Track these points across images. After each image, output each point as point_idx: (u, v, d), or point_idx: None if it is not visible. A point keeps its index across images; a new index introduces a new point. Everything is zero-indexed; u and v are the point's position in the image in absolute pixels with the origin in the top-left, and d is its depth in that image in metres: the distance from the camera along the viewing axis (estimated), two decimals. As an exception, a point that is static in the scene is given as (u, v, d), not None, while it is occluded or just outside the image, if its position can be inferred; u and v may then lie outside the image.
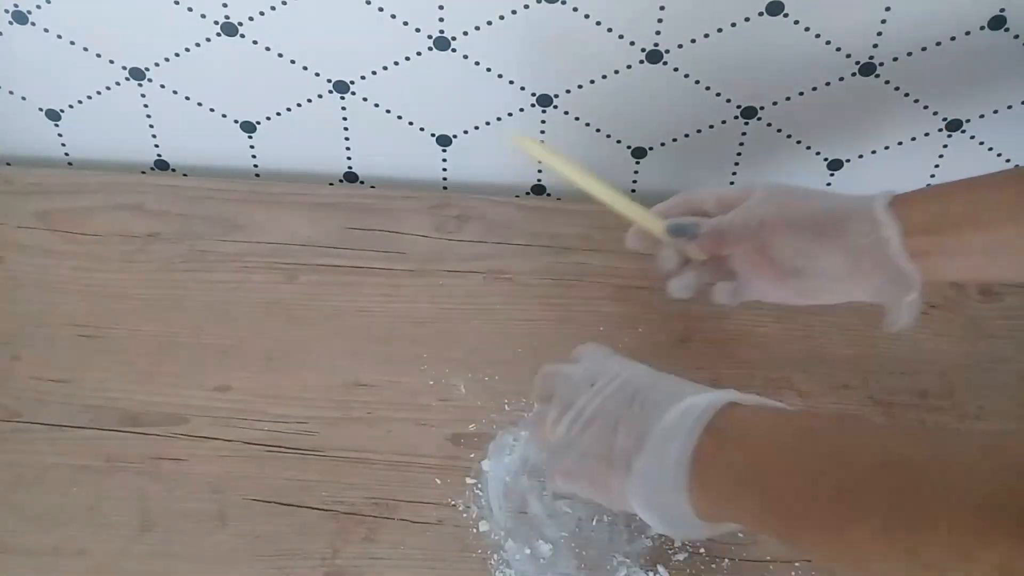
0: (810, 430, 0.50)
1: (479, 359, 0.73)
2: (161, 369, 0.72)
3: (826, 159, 0.84)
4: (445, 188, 0.88)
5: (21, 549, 0.63)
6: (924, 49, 0.75)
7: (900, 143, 0.83)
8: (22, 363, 0.72)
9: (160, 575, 0.62)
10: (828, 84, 0.78)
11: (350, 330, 0.75)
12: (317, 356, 0.73)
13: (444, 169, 0.87)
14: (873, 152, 0.84)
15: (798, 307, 0.67)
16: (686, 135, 0.83)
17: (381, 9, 0.75)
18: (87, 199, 0.83)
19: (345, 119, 0.83)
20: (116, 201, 0.82)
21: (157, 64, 0.80)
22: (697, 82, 0.78)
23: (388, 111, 0.83)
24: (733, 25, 0.74)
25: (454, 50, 0.77)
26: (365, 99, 0.82)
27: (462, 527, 0.65)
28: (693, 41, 0.75)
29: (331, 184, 0.88)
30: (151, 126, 0.85)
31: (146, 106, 0.83)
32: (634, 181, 0.86)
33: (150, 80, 0.81)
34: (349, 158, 0.87)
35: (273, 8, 0.75)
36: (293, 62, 0.79)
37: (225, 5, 0.75)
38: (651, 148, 0.84)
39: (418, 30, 0.76)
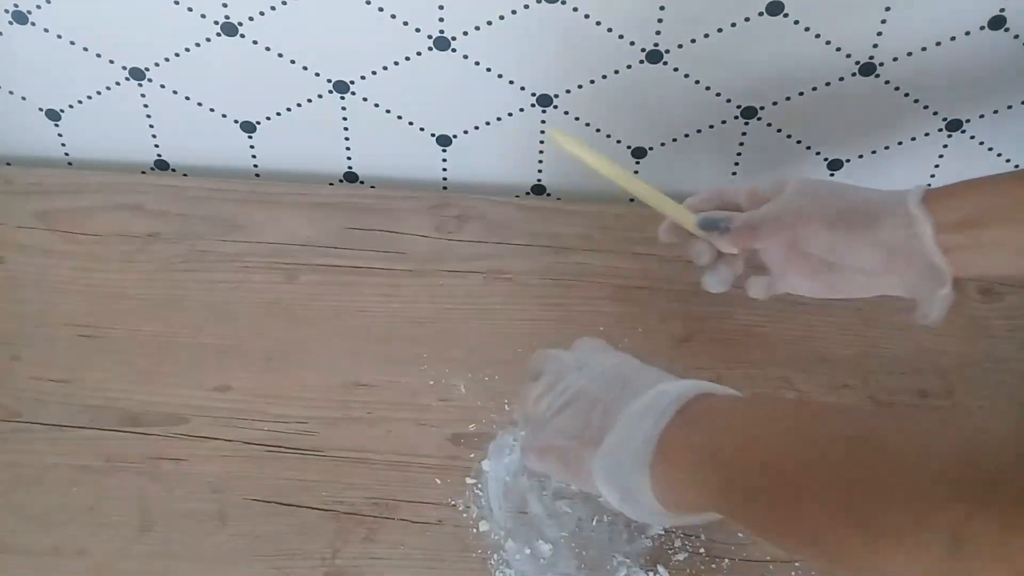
0: (776, 413, 0.51)
1: (479, 359, 0.73)
2: (161, 369, 0.72)
3: (826, 159, 0.84)
4: (445, 188, 0.88)
5: (21, 549, 0.63)
6: (924, 49, 0.75)
7: (900, 143, 0.83)
8: (22, 363, 0.72)
9: (160, 575, 0.62)
10: (828, 84, 0.78)
11: (350, 330, 0.75)
12: (317, 356, 0.73)
13: (444, 169, 0.87)
14: (873, 152, 0.84)
15: (798, 307, 0.68)
16: (686, 135, 0.83)
17: (381, 9, 0.75)
18: (87, 199, 0.83)
19: (345, 119, 0.83)
20: (116, 201, 0.82)
21: (157, 64, 0.80)
22: (697, 82, 0.78)
23: (388, 111, 0.83)
24: (733, 25, 0.74)
25: (454, 50, 0.77)
26: (365, 99, 0.82)
27: (462, 527, 0.65)
28: (693, 41, 0.76)
29: (331, 184, 0.88)
30: (151, 126, 0.85)
31: (146, 106, 0.83)
32: (634, 181, 0.86)
33: (150, 80, 0.81)
34: (349, 158, 0.87)
35: (273, 8, 0.75)
36: (293, 62, 0.79)
37: (225, 5, 0.75)
38: (651, 148, 0.84)
39: (418, 30, 0.76)
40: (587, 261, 0.80)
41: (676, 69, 0.77)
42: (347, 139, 0.85)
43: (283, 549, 0.64)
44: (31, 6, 0.77)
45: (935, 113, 0.80)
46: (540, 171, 0.87)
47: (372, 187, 0.88)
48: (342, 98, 0.82)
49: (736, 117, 0.81)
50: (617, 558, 0.63)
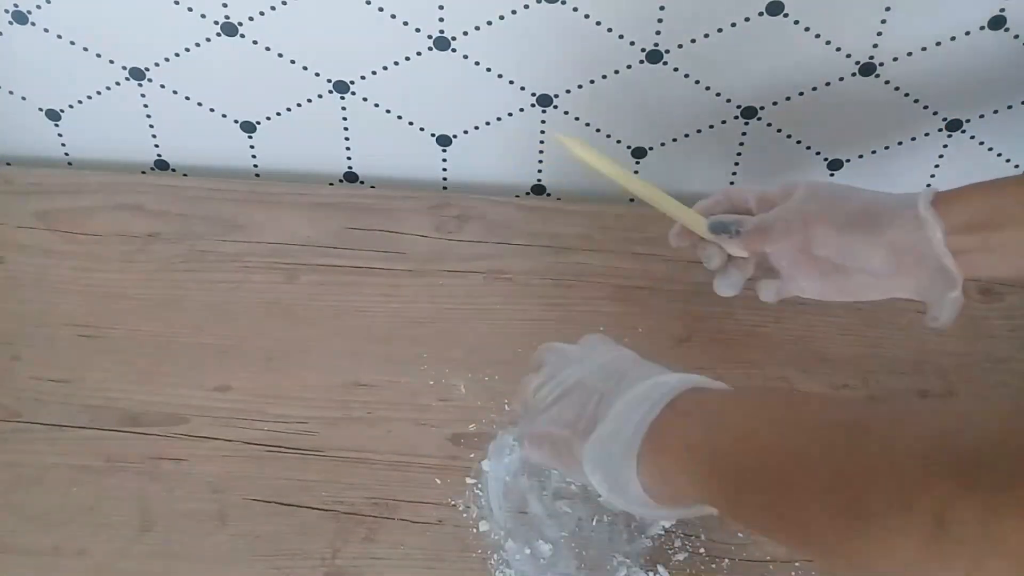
0: (765, 403, 0.51)
1: (479, 359, 0.73)
2: (161, 369, 0.72)
3: (826, 159, 0.84)
4: (445, 188, 0.88)
5: (21, 549, 0.63)
6: (924, 49, 0.75)
7: (900, 143, 0.83)
8: (22, 363, 0.72)
9: (160, 575, 0.62)
10: (828, 84, 0.78)
11: (350, 330, 0.75)
12: (317, 356, 0.73)
13: (444, 169, 0.87)
14: (873, 152, 0.84)
15: (798, 307, 0.68)
16: (686, 135, 0.83)
17: (381, 9, 0.75)
18: (87, 199, 0.83)
19: (345, 119, 0.83)
20: (116, 201, 0.82)
21: (157, 64, 0.80)
22: (697, 82, 0.78)
23: (388, 111, 0.83)
24: (733, 25, 0.74)
25: (454, 50, 0.77)
26: (365, 99, 0.82)
27: (462, 527, 0.65)
28: (693, 41, 0.76)
29: (331, 184, 0.88)
30: (151, 126, 0.85)
31: (146, 106, 0.83)
32: (634, 181, 0.86)
33: (150, 80, 0.81)
34: (349, 158, 0.87)
35: (273, 8, 0.75)
36: (293, 62, 0.79)
37: (225, 5, 0.75)
38: (651, 148, 0.84)
39: (418, 30, 0.76)
40: (587, 261, 0.80)
41: (676, 69, 0.77)
42: (347, 139, 0.85)
43: (283, 549, 0.64)
44: (31, 6, 0.77)
45: (935, 113, 0.80)
46: (540, 171, 0.87)
47: (372, 187, 0.88)
48: (342, 98, 0.82)
49: (736, 117, 0.81)
50: (617, 558, 0.63)
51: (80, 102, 0.84)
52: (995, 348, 0.75)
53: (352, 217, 0.82)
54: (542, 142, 0.84)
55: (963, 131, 0.82)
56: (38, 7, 0.77)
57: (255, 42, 0.78)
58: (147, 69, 0.81)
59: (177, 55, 0.79)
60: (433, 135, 0.84)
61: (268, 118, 0.84)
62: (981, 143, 0.83)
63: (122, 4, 0.76)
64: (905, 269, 0.62)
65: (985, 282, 0.78)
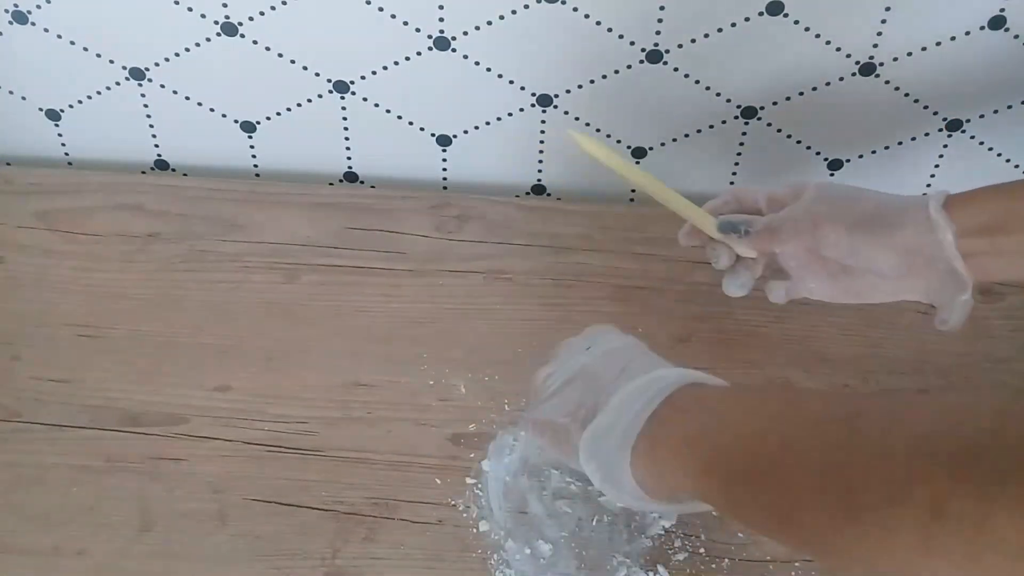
0: (761, 398, 0.51)
1: (479, 359, 0.73)
2: (161, 369, 0.72)
3: (826, 159, 0.84)
4: (445, 188, 0.88)
5: (21, 549, 0.63)
6: (924, 49, 0.75)
7: (900, 143, 0.83)
8: (22, 363, 0.72)
9: (160, 575, 0.62)
10: (828, 84, 0.78)
11: (350, 330, 0.75)
12: (317, 356, 0.73)
13: (444, 169, 0.87)
14: (873, 152, 0.84)
15: (799, 307, 0.68)
16: (686, 135, 0.83)
17: (381, 9, 0.75)
18: (87, 199, 0.83)
19: (345, 119, 0.83)
20: (116, 201, 0.83)
21: (157, 64, 0.80)
22: (697, 82, 0.78)
23: (388, 111, 0.83)
24: (733, 25, 0.74)
25: (454, 50, 0.77)
26: (365, 99, 0.82)
27: (462, 527, 0.65)
28: (693, 41, 0.76)
29: (331, 184, 0.88)
30: (151, 126, 0.85)
31: (146, 106, 0.83)
32: (634, 181, 0.86)
33: (150, 80, 0.81)
34: (349, 158, 0.87)
35: (273, 8, 0.75)
36: (293, 62, 0.79)
37: (225, 5, 0.75)
38: (651, 148, 0.84)
39: (418, 30, 0.76)
40: (587, 261, 0.80)
41: (676, 69, 0.77)
42: (347, 139, 0.85)
43: (283, 549, 0.64)
44: (31, 6, 0.77)
45: (935, 113, 0.80)
46: (540, 171, 0.87)
47: (372, 187, 0.88)
48: (342, 98, 0.82)
49: (736, 117, 0.81)
50: (617, 558, 0.63)
51: (80, 102, 0.84)
52: (995, 348, 0.75)
53: (352, 217, 0.82)
54: (542, 142, 0.84)
55: (963, 131, 0.82)
56: (38, 7, 0.77)
57: (255, 42, 0.78)
58: (147, 69, 0.81)
59: (177, 55, 0.79)
60: (433, 135, 0.84)
61: (268, 118, 0.84)
62: (981, 143, 0.83)
63: (122, 4, 0.76)
64: (915, 271, 0.62)
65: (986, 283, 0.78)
